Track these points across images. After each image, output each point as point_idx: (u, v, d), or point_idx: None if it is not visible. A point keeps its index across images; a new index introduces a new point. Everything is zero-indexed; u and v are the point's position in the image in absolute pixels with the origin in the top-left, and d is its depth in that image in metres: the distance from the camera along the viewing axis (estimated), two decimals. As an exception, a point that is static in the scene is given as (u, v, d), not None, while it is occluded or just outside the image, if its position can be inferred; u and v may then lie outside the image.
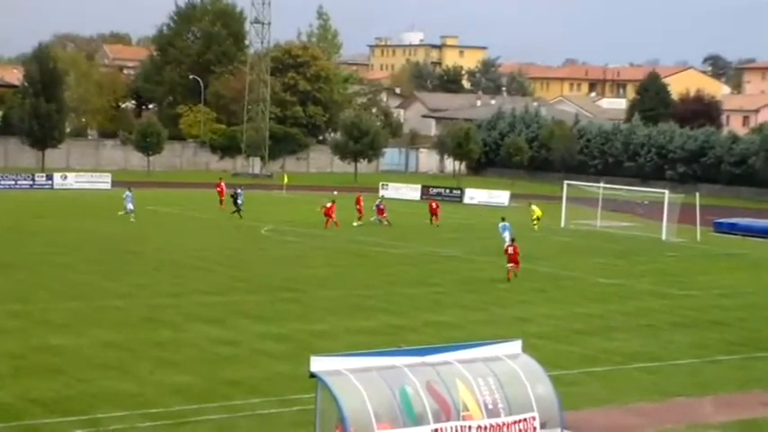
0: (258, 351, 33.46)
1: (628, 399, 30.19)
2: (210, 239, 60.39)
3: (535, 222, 71.95)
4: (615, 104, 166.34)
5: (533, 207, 73.17)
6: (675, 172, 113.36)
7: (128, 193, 67.00)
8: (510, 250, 50.18)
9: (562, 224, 74.50)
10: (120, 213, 66.10)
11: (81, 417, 25.85)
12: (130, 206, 66.04)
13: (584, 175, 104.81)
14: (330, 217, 67.21)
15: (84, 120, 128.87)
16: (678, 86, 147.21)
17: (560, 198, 77.73)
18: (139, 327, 36.18)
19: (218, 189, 75.95)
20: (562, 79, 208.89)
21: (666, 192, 73.47)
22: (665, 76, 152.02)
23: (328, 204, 67.77)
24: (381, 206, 71.43)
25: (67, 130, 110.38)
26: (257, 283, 46.15)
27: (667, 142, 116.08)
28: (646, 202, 79.21)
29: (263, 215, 72.38)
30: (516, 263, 49.90)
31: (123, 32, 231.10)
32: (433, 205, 73.21)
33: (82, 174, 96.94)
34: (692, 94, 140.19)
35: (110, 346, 33.09)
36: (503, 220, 60.66)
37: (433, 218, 71.69)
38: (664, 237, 69.74)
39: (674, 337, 39.19)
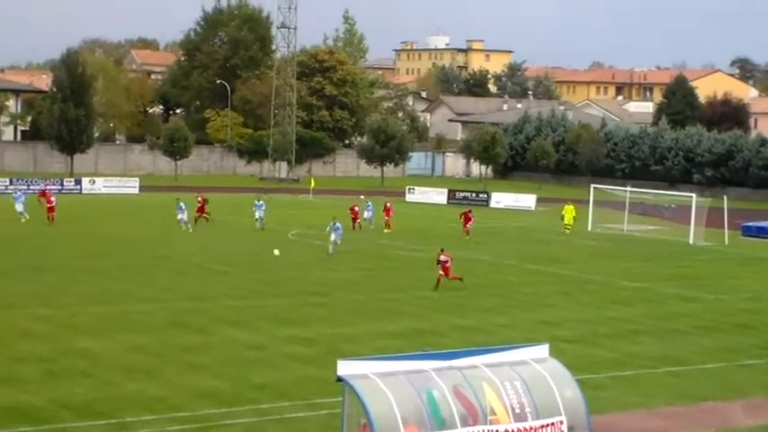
0: (285, 355, 33.55)
1: (655, 403, 30.10)
2: (237, 243, 60.57)
3: (567, 227, 71.63)
4: (642, 108, 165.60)
5: (569, 207, 72.63)
6: (703, 175, 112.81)
7: (181, 204, 66.23)
8: (443, 258, 46.95)
9: (589, 228, 74.27)
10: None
11: (110, 420, 26.01)
12: (183, 216, 64.87)
13: (611, 179, 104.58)
14: (356, 220, 68.29)
15: (112, 125, 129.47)
16: (705, 89, 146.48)
17: (587, 202, 77.50)
18: (167, 331, 36.35)
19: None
20: (588, 83, 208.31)
21: (694, 195, 73.12)
22: (693, 80, 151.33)
23: (388, 205, 70.16)
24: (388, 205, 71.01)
25: (96, 134, 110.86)
26: (284, 286, 46.26)
27: (695, 146, 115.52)
28: (673, 206, 78.87)
29: (289, 219, 72.54)
30: (446, 271, 46.91)
31: (151, 38, 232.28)
32: (469, 215, 67.77)
33: (110, 178, 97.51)
34: (720, 97, 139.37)
35: (137, 349, 33.27)
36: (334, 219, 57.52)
37: (465, 227, 67.11)
38: (691, 241, 69.43)
39: (701, 340, 39.05)
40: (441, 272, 46.79)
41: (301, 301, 43.13)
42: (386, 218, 70.00)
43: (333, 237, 55.98)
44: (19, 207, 66.01)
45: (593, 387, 29.47)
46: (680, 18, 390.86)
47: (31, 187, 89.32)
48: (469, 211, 69.01)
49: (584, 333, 39.24)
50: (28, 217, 65.36)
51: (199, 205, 67.45)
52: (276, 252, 46.17)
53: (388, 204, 71.31)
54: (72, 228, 63.39)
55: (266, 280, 47.87)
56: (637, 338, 38.93)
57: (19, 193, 70.28)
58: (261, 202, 68.05)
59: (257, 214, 67.20)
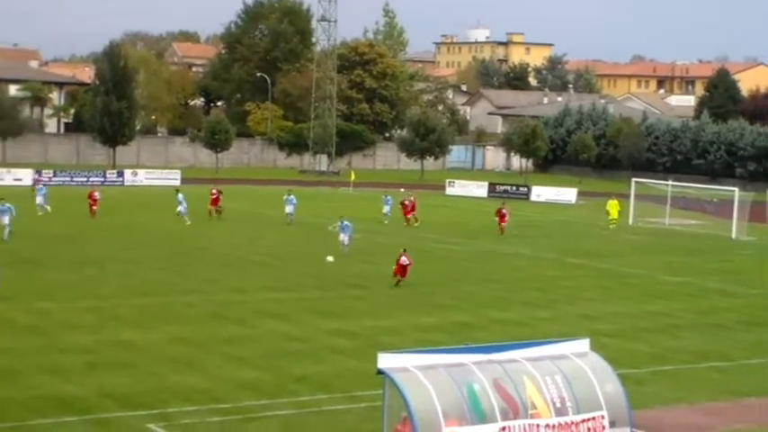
0: (326, 347, 33.68)
1: (697, 398, 29.96)
2: (277, 236, 60.80)
3: (612, 222, 71.31)
4: (684, 101, 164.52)
5: (614, 201, 72.35)
6: (745, 169, 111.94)
7: (179, 196, 66.17)
8: (404, 260, 44.98)
9: (630, 222, 73.98)
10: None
11: (152, 411, 26.23)
12: (182, 207, 64.36)
13: (652, 173, 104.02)
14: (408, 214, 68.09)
15: (153, 117, 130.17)
16: (748, 83, 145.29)
17: (628, 196, 77.17)
18: (208, 322, 36.58)
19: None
20: (630, 76, 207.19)
21: (736, 189, 72.60)
22: (735, 73, 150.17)
23: (407, 202, 68.72)
24: (407, 203, 69.44)
25: (137, 127, 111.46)
26: (324, 279, 46.40)
27: (737, 139, 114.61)
28: (715, 200, 78.36)
29: (329, 212, 72.50)
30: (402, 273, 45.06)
31: (192, 31, 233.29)
32: (503, 211, 65.76)
33: (152, 171, 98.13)
34: (763, 90, 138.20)
35: (179, 341, 33.51)
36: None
37: (501, 225, 65.23)
38: (733, 235, 68.96)
39: (744, 336, 38.82)
40: (397, 272, 44.92)
41: (342, 293, 43.25)
42: (410, 213, 68.64)
43: (341, 236, 53.77)
44: (39, 199, 65.87)
45: (635, 382, 29.38)
46: (722, 11, 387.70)
47: (74, 179, 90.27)
48: (503, 207, 66.20)
49: (624, 327, 39.12)
50: (49, 210, 65.06)
51: (213, 197, 67.17)
52: (330, 258, 45.22)
53: (411, 199, 69.73)
54: (114, 220, 63.82)
55: (307, 272, 48.03)
56: (678, 333, 38.76)
57: (41, 185, 70.19)
58: (291, 196, 67.09)
59: (287, 209, 66.22)
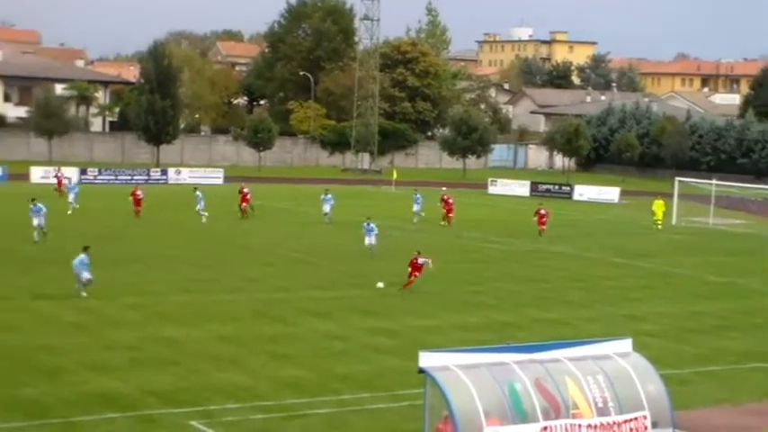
0: (368, 346, 33.75)
1: (742, 399, 29.75)
2: (319, 234, 60.95)
3: (658, 222, 70.92)
4: (728, 100, 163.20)
5: (659, 201, 71.92)
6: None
7: (198, 193, 66.19)
8: (420, 261, 43.64)
9: (673, 221, 73.54)
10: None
11: (195, 408, 26.40)
12: (200, 205, 64.55)
13: (696, 172, 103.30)
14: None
15: (197, 116, 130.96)
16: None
17: (671, 195, 76.71)
18: (251, 320, 36.76)
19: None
20: (674, 74, 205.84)
21: (782, 189, 72.03)
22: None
23: (450, 200, 67.92)
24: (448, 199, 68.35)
25: (181, 126, 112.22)
26: (366, 277, 46.44)
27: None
28: (759, 200, 77.70)
29: (371, 210, 72.51)
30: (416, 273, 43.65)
31: (236, 30, 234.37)
32: (542, 212, 64.16)
33: (195, 169, 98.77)
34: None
35: (222, 339, 33.70)
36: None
37: (540, 228, 63.78)
38: (778, 235, 68.40)
39: (789, 337, 38.46)
40: (412, 272, 43.37)
41: (384, 292, 43.28)
42: (445, 212, 67.73)
43: (367, 240, 52.46)
44: (71, 197, 65.98)
45: (678, 382, 29.20)
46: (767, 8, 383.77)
47: (119, 177, 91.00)
48: (541, 208, 64.68)
49: (668, 327, 38.90)
50: (77, 207, 64.98)
51: (243, 195, 66.73)
52: (380, 285, 43.28)
53: (446, 197, 68.74)
54: (158, 217, 64.23)
55: (350, 271, 48.13)
56: (723, 333, 38.48)
57: (73, 184, 70.02)
58: (329, 195, 66.23)
59: (325, 208, 65.57)
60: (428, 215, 68.14)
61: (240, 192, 67.60)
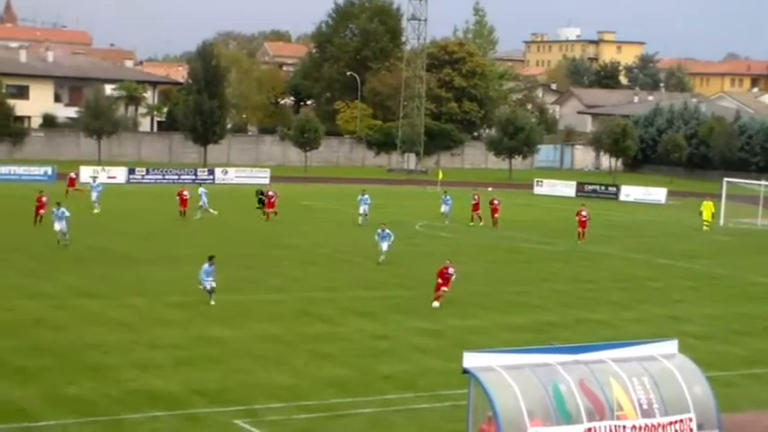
0: (411, 346, 33.75)
1: (789, 402, 29.44)
2: (364, 234, 60.93)
3: (706, 223, 70.30)
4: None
5: (708, 203, 71.24)
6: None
7: (202, 189, 66.55)
8: (451, 271, 40.31)
9: (721, 222, 72.93)
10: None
11: (239, 407, 26.52)
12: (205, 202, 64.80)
13: (745, 173, 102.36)
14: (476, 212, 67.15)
15: (244, 116, 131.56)
16: None
17: (719, 196, 76.06)
18: (295, 320, 36.87)
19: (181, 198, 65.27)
20: (723, 75, 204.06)
21: (831, 190, 71.21)
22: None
23: (495, 201, 67.26)
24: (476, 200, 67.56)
25: (228, 126, 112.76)
26: (410, 277, 46.46)
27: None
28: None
29: (417, 211, 72.77)
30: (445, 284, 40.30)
31: (283, 30, 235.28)
32: (583, 213, 61.40)
33: (242, 169, 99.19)
34: None
35: (266, 338, 33.83)
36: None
37: (581, 230, 61.28)
38: (829, 236, 67.64)
39: (838, 339, 38.00)
40: (441, 284, 40.10)
41: (428, 292, 43.16)
42: (475, 212, 67.08)
43: (381, 245, 49.68)
44: (94, 195, 65.00)
45: (724, 384, 28.95)
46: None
47: (166, 177, 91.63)
48: (583, 209, 61.85)
49: (714, 329, 38.58)
50: (98, 208, 64.10)
51: (269, 200, 65.17)
52: (436, 304, 40.98)
53: (477, 197, 67.74)
54: (204, 216, 64.51)
55: (393, 271, 48.14)
56: (770, 336, 38.11)
57: (97, 183, 68.17)
58: (366, 195, 65.03)
59: (361, 209, 64.35)
60: (456, 215, 67.56)
61: (264, 194, 66.52)
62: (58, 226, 50.95)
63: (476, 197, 67.78)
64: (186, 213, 64.34)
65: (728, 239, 66.44)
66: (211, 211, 64.52)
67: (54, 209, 52.08)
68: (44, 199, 57.55)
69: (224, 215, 65.64)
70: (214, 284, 38.43)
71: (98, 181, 70.48)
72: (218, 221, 63.24)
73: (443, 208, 67.64)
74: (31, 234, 54.16)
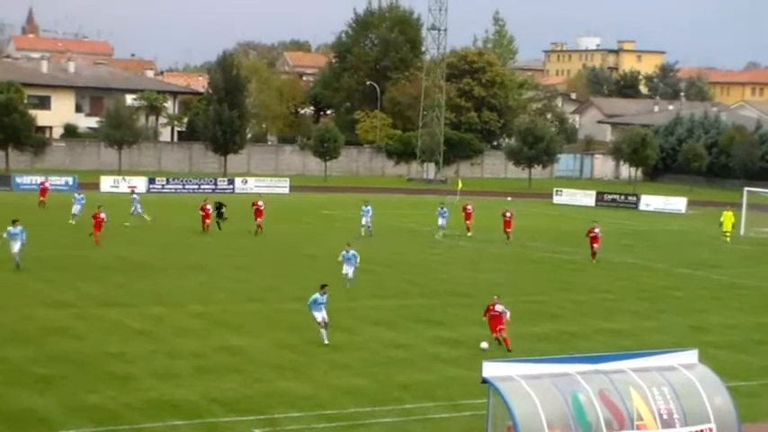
0: (430, 355, 33.71)
1: (810, 412, 29.24)
2: (384, 243, 60.98)
3: (726, 234, 69.85)
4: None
5: (728, 213, 70.70)
6: None
7: (135, 195, 66.54)
8: (499, 309, 34.80)
9: (742, 232, 72.63)
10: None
11: (259, 416, 26.53)
12: (139, 208, 64.40)
13: (766, 182, 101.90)
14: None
15: (264, 126, 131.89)
16: None
17: (740, 205, 75.78)
18: (314, 329, 36.80)
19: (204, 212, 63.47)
20: (744, 84, 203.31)
21: None
22: None
23: (508, 214, 64.85)
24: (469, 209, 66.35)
25: (248, 135, 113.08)
26: (430, 287, 46.44)
27: None
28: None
29: (436, 220, 72.58)
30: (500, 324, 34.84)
31: (303, 40, 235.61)
32: (596, 230, 57.74)
33: (262, 178, 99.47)
34: None
35: (286, 347, 33.85)
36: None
37: (593, 247, 57.71)
38: None
39: None
40: (492, 326, 34.88)
41: (447, 301, 43.23)
42: (467, 222, 65.90)
43: (345, 268, 44.71)
44: (76, 208, 63.35)
45: (746, 395, 28.81)
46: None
47: (186, 186, 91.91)
48: (596, 227, 58.06)
49: (736, 339, 38.40)
50: (76, 220, 62.46)
51: (257, 210, 62.53)
52: (484, 345, 37.52)
53: (469, 207, 66.70)
54: (224, 226, 64.62)
55: (412, 280, 48.13)
56: (792, 346, 37.89)
57: (81, 196, 66.36)
58: (368, 207, 63.86)
59: (363, 220, 63.35)
60: (478, 224, 66.97)
61: (223, 206, 64.38)
62: (15, 247, 45.56)
63: (508, 214, 64.29)
64: (209, 228, 62.60)
65: (749, 249, 66.17)
66: (146, 217, 64.02)
67: (9, 227, 46.10)
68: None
69: (244, 224, 65.69)
70: (326, 318, 34.21)
71: (136, 192, 70.64)
72: (239, 231, 63.20)
73: (440, 221, 65.25)
74: (53, 243, 54.35)
